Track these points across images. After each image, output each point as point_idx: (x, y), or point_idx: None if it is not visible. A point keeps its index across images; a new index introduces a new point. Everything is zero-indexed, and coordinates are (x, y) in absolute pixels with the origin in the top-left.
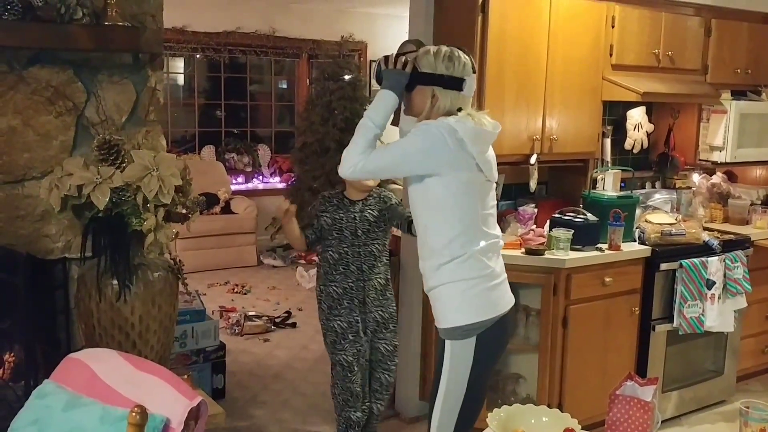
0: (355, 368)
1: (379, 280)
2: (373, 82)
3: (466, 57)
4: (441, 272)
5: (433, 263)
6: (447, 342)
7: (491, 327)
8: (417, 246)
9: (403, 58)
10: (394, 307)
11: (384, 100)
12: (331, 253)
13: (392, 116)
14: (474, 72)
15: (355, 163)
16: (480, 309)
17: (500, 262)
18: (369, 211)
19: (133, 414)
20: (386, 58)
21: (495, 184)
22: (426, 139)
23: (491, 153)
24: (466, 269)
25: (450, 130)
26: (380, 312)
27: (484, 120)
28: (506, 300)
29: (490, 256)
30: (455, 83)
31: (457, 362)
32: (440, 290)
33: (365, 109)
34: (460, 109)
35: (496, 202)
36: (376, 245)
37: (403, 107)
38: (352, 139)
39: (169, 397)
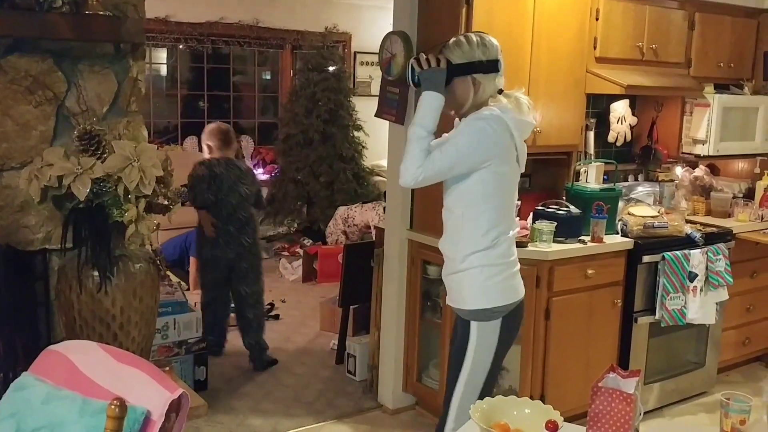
0: None
1: None
2: (358, 73)
3: (492, 38)
4: (473, 258)
5: (466, 249)
6: (473, 324)
7: (513, 310)
8: (445, 230)
9: (432, 57)
10: None
11: (430, 103)
12: None
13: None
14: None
15: (416, 174)
16: (506, 293)
17: (514, 249)
18: None
19: (112, 407)
20: (417, 60)
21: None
22: (477, 134)
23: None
24: (497, 256)
25: (500, 122)
26: None
27: (522, 100)
28: (521, 287)
29: (508, 244)
30: (492, 66)
31: (482, 343)
32: (468, 274)
33: (349, 101)
34: (500, 91)
35: (516, 195)
36: None
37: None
38: (407, 150)
39: (150, 390)
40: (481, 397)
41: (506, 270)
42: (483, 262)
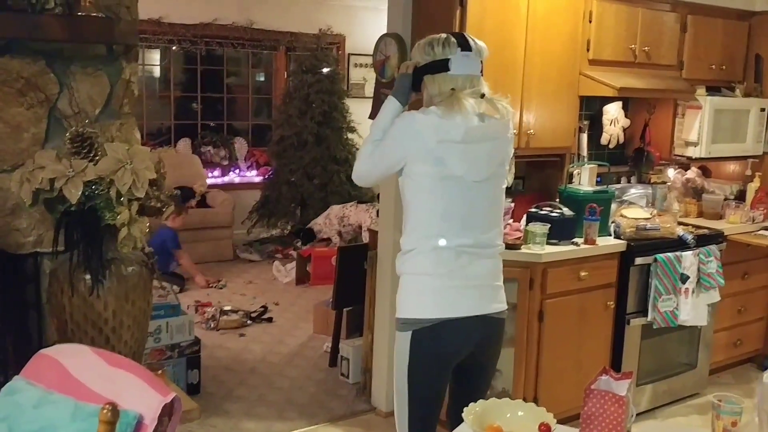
0: None
1: None
2: (352, 74)
3: (452, 37)
4: (400, 261)
5: (400, 251)
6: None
7: (431, 327)
8: None
9: (410, 62)
10: None
11: (385, 105)
12: None
13: None
14: (467, 49)
15: (355, 169)
16: (419, 306)
17: (478, 267)
18: None
19: (104, 411)
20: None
21: (489, 184)
22: (392, 132)
23: (486, 150)
24: (417, 263)
25: (410, 121)
26: None
27: (461, 100)
28: (465, 306)
29: (455, 257)
30: (440, 66)
31: (397, 353)
32: (399, 279)
33: (343, 103)
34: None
35: (493, 204)
36: None
37: None
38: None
39: (142, 393)
40: (414, 420)
41: (428, 282)
42: (405, 269)
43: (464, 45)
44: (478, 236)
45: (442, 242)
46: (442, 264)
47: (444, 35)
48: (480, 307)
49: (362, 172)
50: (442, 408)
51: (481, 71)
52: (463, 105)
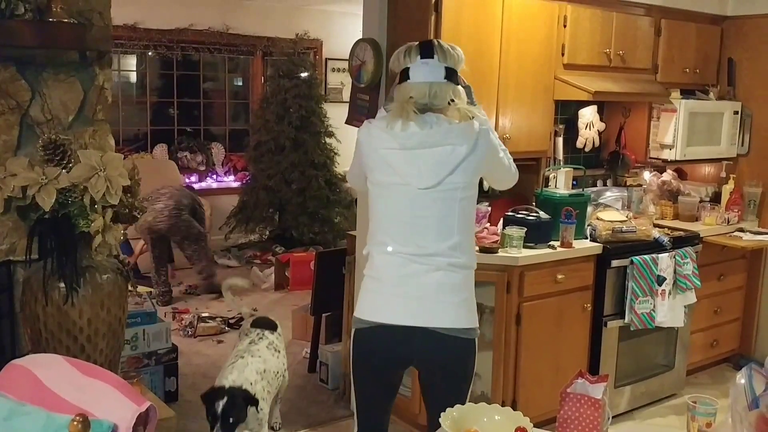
0: None
1: None
2: (329, 79)
3: (415, 46)
4: None
5: None
6: None
7: (366, 330)
8: None
9: None
10: None
11: None
12: None
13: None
14: (427, 56)
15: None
16: (362, 306)
17: (424, 278)
18: None
19: (75, 423)
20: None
21: (439, 192)
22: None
23: (433, 156)
24: (370, 267)
25: (362, 129)
26: None
27: (407, 108)
28: (391, 312)
29: (401, 264)
30: (403, 75)
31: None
32: None
33: (321, 107)
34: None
35: (447, 214)
36: None
37: None
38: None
39: (116, 403)
40: (357, 412)
41: (369, 284)
42: (365, 270)
43: (425, 53)
44: (424, 246)
45: (390, 248)
46: (388, 269)
47: (410, 44)
48: (418, 318)
49: (349, 177)
50: (384, 412)
51: (450, 77)
52: (404, 111)
